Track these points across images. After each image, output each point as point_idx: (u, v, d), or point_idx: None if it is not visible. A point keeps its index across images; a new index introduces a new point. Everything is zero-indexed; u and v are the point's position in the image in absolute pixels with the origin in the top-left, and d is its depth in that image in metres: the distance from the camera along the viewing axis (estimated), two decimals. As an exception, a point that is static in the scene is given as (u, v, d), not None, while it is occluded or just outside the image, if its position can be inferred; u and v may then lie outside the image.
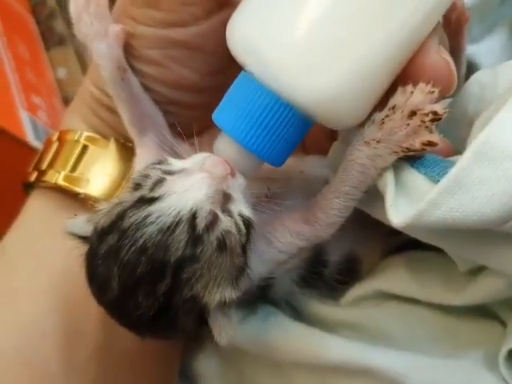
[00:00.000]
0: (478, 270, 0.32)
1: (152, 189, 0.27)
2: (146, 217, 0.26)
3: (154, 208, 0.26)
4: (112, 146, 0.37)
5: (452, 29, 0.35)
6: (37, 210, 0.38)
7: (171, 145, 0.35)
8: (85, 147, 0.37)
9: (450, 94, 0.29)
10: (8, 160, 0.43)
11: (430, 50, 0.27)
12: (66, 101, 0.75)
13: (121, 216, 0.26)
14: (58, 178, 0.37)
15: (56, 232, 0.31)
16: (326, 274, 0.37)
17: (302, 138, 0.29)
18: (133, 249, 0.25)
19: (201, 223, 0.26)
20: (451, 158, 0.29)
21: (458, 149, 0.33)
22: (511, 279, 0.30)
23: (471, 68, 0.40)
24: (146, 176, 0.28)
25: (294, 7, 0.25)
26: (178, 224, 0.26)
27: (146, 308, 0.26)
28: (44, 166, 0.38)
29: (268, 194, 0.35)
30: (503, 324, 0.33)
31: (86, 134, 0.38)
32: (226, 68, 0.33)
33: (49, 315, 0.35)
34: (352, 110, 0.27)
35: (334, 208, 0.30)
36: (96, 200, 0.36)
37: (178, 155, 0.34)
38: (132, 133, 0.35)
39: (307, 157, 0.39)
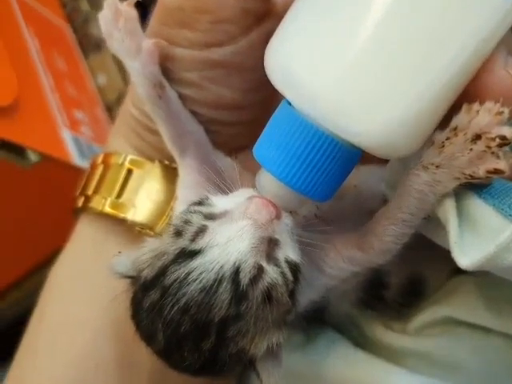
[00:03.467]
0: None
1: (193, 239, 0.28)
2: (187, 274, 0.27)
3: (196, 263, 0.27)
4: (156, 169, 0.39)
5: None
6: (86, 236, 0.41)
7: (213, 163, 0.36)
8: (129, 171, 0.39)
9: None
10: (56, 185, 0.46)
11: (495, 65, 0.26)
12: (108, 108, 0.79)
13: (163, 271, 0.28)
14: (104, 204, 0.39)
15: (106, 258, 0.33)
16: (388, 296, 0.37)
17: (351, 169, 0.29)
18: (175, 308, 0.27)
19: (244, 278, 0.26)
20: None
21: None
22: None
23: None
24: (187, 222, 0.29)
25: (344, 36, 0.25)
26: (220, 282, 0.26)
27: (192, 361, 0.28)
28: (90, 191, 0.41)
29: (317, 213, 0.35)
30: None
31: (130, 157, 0.39)
32: (269, 82, 0.34)
33: (102, 346, 0.37)
34: (408, 141, 0.26)
35: (389, 235, 0.29)
36: (142, 226, 0.38)
37: (220, 173, 0.34)
38: (173, 152, 0.36)
39: (362, 167, 0.39)
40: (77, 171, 0.43)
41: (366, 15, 0.24)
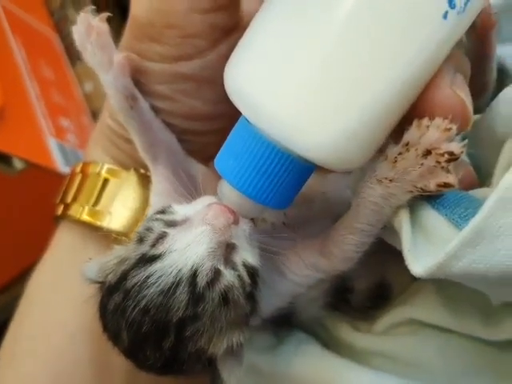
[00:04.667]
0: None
1: (153, 245, 0.29)
2: (147, 277, 0.28)
3: (155, 267, 0.28)
4: (132, 178, 0.40)
5: (478, 35, 0.35)
6: (64, 243, 0.42)
7: (185, 170, 0.38)
8: (106, 180, 0.40)
9: (465, 131, 0.28)
10: (40, 191, 0.47)
11: (442, 84, 0.27)
12: (95, 115, 0.80)
13: (125, 275, 0.29)
14: (82, 212, 0.40)
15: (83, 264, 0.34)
16: (354, 300, 0.38)
17: (305, 180, 0.30)
18: (136, 309, 0.28)
19: (201, 281, 0.28)
20: (474, 192, 0.29)
21: (485, 170, 0.33)
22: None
23: (503, 71, 0.39)
24: (149, 229, 0.30)
25: (292, 57, 0.26)
26: (178, 284, 0.28)
27: (155, 360, 0.29)
28: (69, 199, 0.42)
29: (285, 220, 0.37)
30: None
31: (106, 166, 0.41)
32: None
33: (79, 345, 0.39)
34: (355, 155, 0.27)
35: (348, 244, 0.31)
36: (118, 233, 0.39)
37: (190, 181, 0.36)
38: (146, 160, 0.37)
39: (330, 175, 0.40)
40: (62, 178, 0.44)
41: (311, 40, 0.26)
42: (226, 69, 0.29)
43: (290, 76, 0.26)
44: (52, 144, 0.62)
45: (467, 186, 0.30)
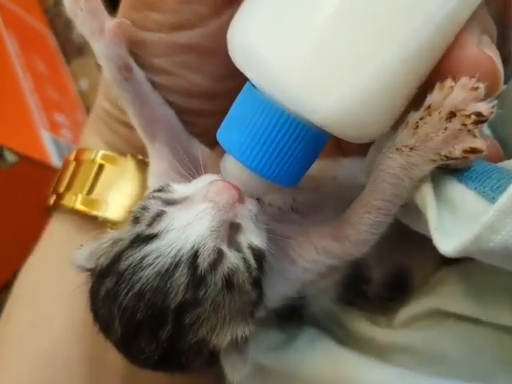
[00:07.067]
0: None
1: (150, 224, 0.27)
2: (142, 258, 0.25)
3: (152, 247, 0.25)
4: (130, 164, 0.38)
5: (499, 5, 0.33)
6: (57, 234, 0.40)
7: (186, 149, 0.35)
8: (101, 167, 0.38)
9: (495, 94, 0.25)
10: (34, 185, 0.45)
11: (468, 42, 0.24)
12: (90, 112, 0.78)
13: (117, 257, 0.26)
14: (75, 201, 0.38)
15: None
16: (371, 291, 0.35)
17: (318, 153, 0.27)
18: (130, 294, 0.25)
19: (203, 263, 0.25)
20: (504, 164, 0.26)
21: (509, 147, 0.30)
22: None
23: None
24: (145, 208, 0.27)
25: (303, 14, 0.24)
26: (177, 265, 0.25)
27: (150, 353, 0.26)
28: (62, 188, 0.39)
29: (294, 205, 0.34)
30: None
31: (101, 152, 0.38)
32: None
33: (71, 343, 0.36)
34: (374, 122, 0.25)
35: (365, 224, 0.28)
36: (114, 223, 0.36)
37: (191, 159, 0.33)
38: (144, 139, 0.35)
39: (342, 160, 0.38)
40: (56, 173, 0.41)
41: None
42: (229, 30, 0.27)
43: (301, 33, 0.23)
44: (46, 137, 0.60)
45: (493, 158, 0.28)
